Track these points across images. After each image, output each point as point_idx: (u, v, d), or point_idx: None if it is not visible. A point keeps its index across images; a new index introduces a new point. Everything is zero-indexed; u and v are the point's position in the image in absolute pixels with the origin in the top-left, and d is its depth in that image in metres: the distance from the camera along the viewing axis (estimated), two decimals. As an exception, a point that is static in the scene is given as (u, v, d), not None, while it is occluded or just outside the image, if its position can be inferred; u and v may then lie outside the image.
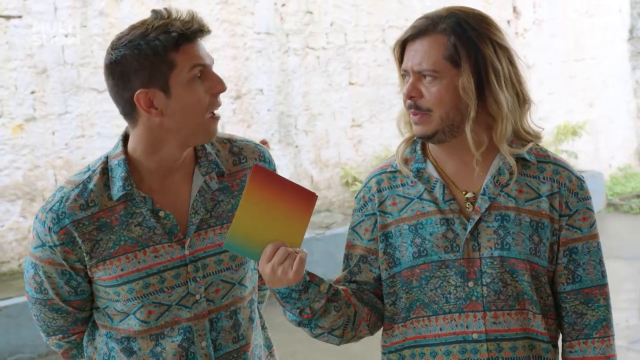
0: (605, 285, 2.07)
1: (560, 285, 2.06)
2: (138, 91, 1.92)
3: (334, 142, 8.87)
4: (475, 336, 2.01)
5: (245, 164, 2.17)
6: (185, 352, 2.05)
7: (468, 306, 2.02)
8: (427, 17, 2.02)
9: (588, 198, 2.06)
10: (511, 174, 2.04)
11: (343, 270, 2.15)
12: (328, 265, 7.28)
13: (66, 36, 7.00)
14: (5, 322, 5.77)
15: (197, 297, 2.03)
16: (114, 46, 1.93)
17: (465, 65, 1.96)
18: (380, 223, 2.11)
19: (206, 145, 2.11)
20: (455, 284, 2.03)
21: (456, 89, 1.97)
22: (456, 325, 2.03)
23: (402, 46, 2.05)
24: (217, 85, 1.97)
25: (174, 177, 2.07)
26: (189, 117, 1.96)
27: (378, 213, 2.12)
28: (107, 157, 2.04)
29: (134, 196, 2.00)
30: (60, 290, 2.01)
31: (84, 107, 7.12)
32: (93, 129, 7.18)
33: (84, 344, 2.17)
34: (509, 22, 9.97)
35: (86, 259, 1.98)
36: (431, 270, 2.05)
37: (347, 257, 2.16)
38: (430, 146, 2.11)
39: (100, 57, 6.95)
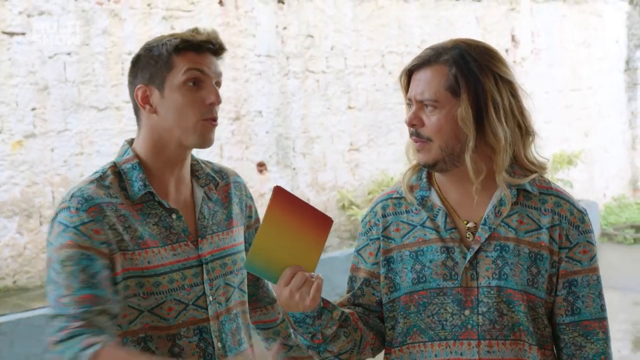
0: (604, 318, 2.06)
1: (560, 316, 2.06)
2: (138, 86, 2.06)
3: (331, 165, 8.89)
4: None
5: (228, 179, 2.29)
6: (203, 352, 2.08)
7: (463, 334, 2.03)
8: (432, 48, 2.06)
9: (589, 231, 2.07)
10: (513, 204, 2.05)
11: (347, 292, 2.18)
12: (324, 288, 7.40)
13: (68, 54, 7.00)
14: (0, 339, 5.73)
15: (211, 298, 2.09)
16: (142, 47, 2.08)
17: (464, 95, 1.99)
18: (383, 248, 2.13)
19: (199, 161, 2.22)
20: (452, 311, 2.04)
21: (455, 119, 2.00)
22: (451, 352, 2.04)
23: (409, 75, 2.08)
24: (210, 96, 2.03)
25: (180, 183, 2.14)
26: (178, 118, 2.04)
27: (382, 238, 2.14)
28: (114, 163, 2.09)
29: (150, 197, 2.06)
30: (73, 280, 1.92)
31: (84, 125, 7.11)
32: (92, 147, 7.17)
33: None
34: (507, 50, 10.09)
35: (114, 241, 1.97)
36: (429, 296, 2.06)
37: (352, 280, 2.19)
38: (436, 174, 2.12)
39: (101, 76, 7.12)
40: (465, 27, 9.83)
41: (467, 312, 2.04)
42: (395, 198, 2.18)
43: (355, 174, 9.08)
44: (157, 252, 2.03)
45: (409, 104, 2.08)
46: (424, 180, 2.15)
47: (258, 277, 2.35)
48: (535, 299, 2.04)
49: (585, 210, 2.11)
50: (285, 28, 8.40)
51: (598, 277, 2.07)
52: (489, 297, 2.03)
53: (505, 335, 2.02)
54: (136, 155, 2.10)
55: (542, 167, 2.11)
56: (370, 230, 2.18)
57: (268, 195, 8.43)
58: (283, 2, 8.40)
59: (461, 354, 2.04)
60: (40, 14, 6.83)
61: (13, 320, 5.83)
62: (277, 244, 1.86)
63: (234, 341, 2.16)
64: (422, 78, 2.04)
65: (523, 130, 2.05)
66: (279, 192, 1.85)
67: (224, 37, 7.63)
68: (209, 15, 7.81)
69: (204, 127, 2.06)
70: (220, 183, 2.26)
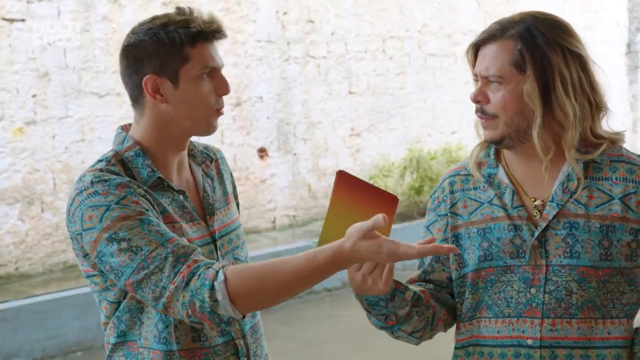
0: None
1: None
2: (147, 76, 2.00)
3: (332, 150, 8.95)
4: (529, 342, 2.02)
5: (216, 156, 2.30)
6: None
7: (527, 312, 2.03)
8: (498, 22, 2.03)
9: None
10: (579, 179, 2.02)
11: (418, 269, 2.20)
12: None
13: (68, 40, 7.04)
14: (1, 325, 5.79)
15: None
16: (134, 31, 2.01)
17: (530, 71, 1.96)
18: (451, 224, 2.14)
19: (191, 141, 2.21)
20: (518, 289, 2.05)
21: (521, 95, 1.97)
22: (513, 330, 2.04)
23: (475, 50, 2.06)
24: (222, 87, 2.04)
25: (181, 165, 2.14)
26: (192, 109, 2.03)
27: (449, 214, 2.15)
28: (116, 152, 2.05)
29: (159, 181, 2.05)
30: (151, 235, 1.87)
31: (85, 112, 7.17)
32: (93, 134, 7.22)
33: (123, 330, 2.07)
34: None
35: (155, 209, 1.96)
36: (496, 274, 2.07)
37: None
38: (504, 151, 2.12)
39: (102, 62, 7.12)
40: (466, 10, 9.86)
41: (533, 291, 2.03)
42: (464, 175, 2.18)
43: (356, 159, 9.13)
44: (178, 228, 2.02)
45: (475, 80, 2.06)
46: (492, 157, 2.14)
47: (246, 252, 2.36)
48: (610, 271, 2.01)
49: None
50: (285, 13, 8.42)
51: None
52: (559, 275, 2.01)
53: (571, 314, 2.01)
54: (137, 142, 2.07)
55: (616, 140, 2.07)
56: (439, 206, 2.18)
57: (269, 181, 8.52)
58: None
59: (523, 332, 2.03)
60: (40, 0, 6.86)
61: (15, 307, 5.90)
62: (345, 227, 1.84)
63: (250, 314, 2.16)
64: (488, 53, 2.02)
65: (593, 106, 2.00)
66: (342, 176, 1.84)
67: (225, 23, 7.71)
68: (210, 1, 7.81)
69: (215, 117, 2.08)
70: (213, 159, 2.28)
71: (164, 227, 1.92)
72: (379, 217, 1.76)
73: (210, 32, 2.00)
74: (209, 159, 2.26)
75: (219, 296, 1.79)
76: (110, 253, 1.87)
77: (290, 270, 1.82)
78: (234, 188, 2.37)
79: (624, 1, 11.51)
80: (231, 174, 2.37)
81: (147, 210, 1.93)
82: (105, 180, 1.94)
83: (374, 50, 9.15)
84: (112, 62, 7.20)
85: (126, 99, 6.66)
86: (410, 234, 7.98)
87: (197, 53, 1.99)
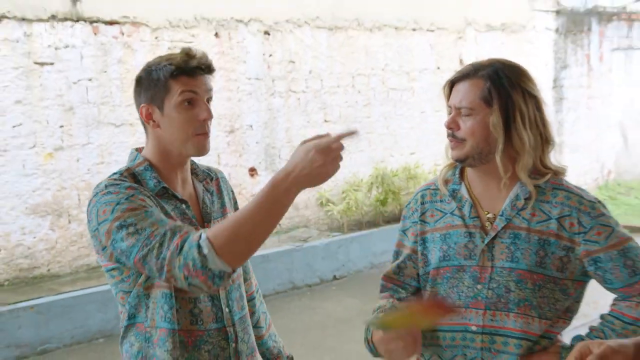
0: (635, 282, 1.99)
1: (603, 285, 2.04)
2: (142, 105, 2.02)
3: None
4: (473, 328, 2.03)
5: (217, 175, 2.27)
6: (215, 315, 2.07)
7: (473, 304, 2.04)
8: (472, 65, 2.06)
9: (601, 215, 2.00)
10: (527, 199, 2.03)
11: (392, 263, 2.22)
12: (306, 272, 7.51)
13: (90, 80, 7.02)
14: (37, 317, 5.82)
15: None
16: (143, 69, 2.04)
17: (496, 106, 1.97)
18: (420, 230, 2.16)
19: (194, 161, 2.19)
20: (467, 285, 2.05)
21: (487, 125, 1.99)
22: (461, 318, 2.05)
23: (450, 86, 2.07)
24: (202, 113, 2.00)
25: (184, 181, 2.13)
26: (177, 132, 2.00)
27: (419, 222, 2.17)
28: (128, 167, 2.05)
29: (164, 191, 2.03)
30: (154, 219, 1.85)
31: (104, 139, 7.14)
32: (111, 157, 7.18)
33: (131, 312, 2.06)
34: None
35: (159, 209, 1.94)
36: (452, 272, 2.08)
37: (397, 253, 2.23)
38: (467, 171, 2.13)
39: (117, 97, 7.17)
40: (421, 53, 9.82)
41: (479, 287, 2.04)
42: (433, 189, 2.19)
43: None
44: None
45: (449, 110, 2.07)
46: (457, 176, 2.15)
47: None
48: (543, 278, 2.00)
49: (596, 199, 2.05)
50: (271, 55, 8.40)
51: (619, 251, 1.98)
52: (501, 276, 2.01)
53: (509, 308, 2.01)
54: (146, 159, 2.06)
55: (559, 172, 2.07)
56: (412, 214, 2.19)
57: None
58: (269, 34, 8.38)
59: (469, 320, 2.04)
60: (66, 47, 6.87)
61: (48, 302, 5.94)
62: (404, 322, 1.91)
63: (238, 306, 2.15)
64: (461, 89, 2.03)
65: (544, 139, 2.02)
66: (439, 302, 1.92)
67: (220, 64, 7.68)
68: (207, 45, 7.80)
69: (198, 140, 2.03)
70: (213, 178, 2.25)
71: (164, 217, 1.90)
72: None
73: (189, 67, 1.98)
74: (209, 178, 2.23)
75: (205, 250, 1.72)
76: (120, 238, 1.84)
77: (252, 206, 1.75)
78: (235, 202, 2.34)
79: (550, 45, 11.53)
80: (232, 190, 2.34)
81: (152, 205, 1.91)
82: (117, 184, 1.94)
83: (345, 86, 9.10)
84: (126, 98, 7.20)
85: (138, 128, 6.78)
86: (375, 239, 8.11)
87: (176, 84, 1.97)
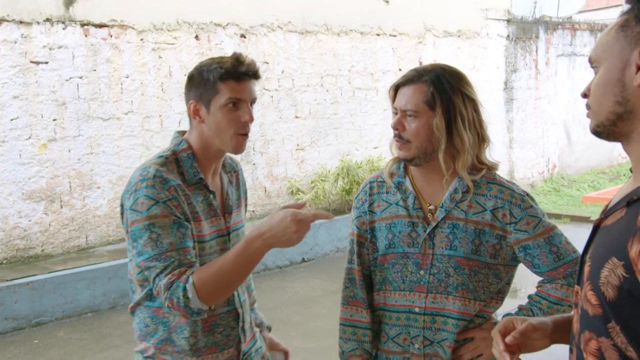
0: (560, 266, 2.03)
1: (532, 270, 2.08)
2: (191, 101, 2.03)
3: (283, 161, 8.91)
4: (416, 310, 2.05)
5: (237, 168, 2.27)
6: (227, 299, 2.07)
7: (416, 287, 2.05)
8: (415, 70, 2.04)
9: (530, 207, 2.03)
10: (465, 193, 2.03)
11: (351, 252, 2.18)
12: (277, 255, 7.50)
13: (80, 78, 7.06)
14: (31, 293, 5.88)
15: None
16: (195, 67, 2.04)
17: (439, 109, 1.96)
18: (369, 219, 2.14)
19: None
20: (411, 270, 2.06)
21: (430, 126, 1.97)
22: (406, 300, 2.06)
23: (396, 89, 2.06)
24: (244, 115, 1.99)
25: (215, 172, 2.13)
26: (219, 131, 2.00)
27: (368, 212, 2.14)
28: (174, 151, 2.04)
29: (199, 180, 2.03)
30: (174, 238, 1.87)
31: (93, 132, 7.16)
32: (99, 148, 7.21)
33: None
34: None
35: (187, 213, 1.95)
36: (397, 258, 2.08)
37: (351, 242, 2.19)
38: (411, 166, 2.13)
39: (106, 94, 7.15)
40: (384, 56, 9.83)
41: (421, 272, 2.04)
42: (379, 181, 2.16)
43: (301, 168, 9.10)
44: (203, 224, 2.01)
45: (395, 113, 2.05)
46: (402, 169, 2.13)
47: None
48: (478, 264, 2.01)
49: (525, 193, 2.07)
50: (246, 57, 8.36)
51: (545, 239, 2.01)
52: (441, 262, 2.02)
53: (448, 292, 2.02)
54: (190, 147, 2.05)
55: (492, 167, 2.08)
56: (362, 205, 2.16)
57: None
58: (245, 37, 8.39)
59: (413, 302, 2.05)
60: (59, 47, 6.90)
61: (41, 279, 6.01)
62: None
63: (242, 290, 2.16)
64: (406, 93, 2.00)
65: (480, 138, 2.02)
66: None
67: None
68: (188, 47, 7.82)
69: (238, 140, 2.02)
70: (235, 170, 2.25)
71: (187, 234, 1.90)
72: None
73: (237, 72, 1.96)
74: (233, 170, 2.23)
75: (190, 295, 1.79)
76: (141, 236, 1.86)
77: (230, 260, 1.82)
78: (245, 193, 2.33)
79: (502, 50, 11.51)
80: (245, 183, 2.33)
81: (182, 215, 1.91)
82: (164, 180, 1.92)
83: (315, 85, 9.13)
84: (113, 94, 7.21)
85: (124, 122, 6.80)
86: (341, 225, 8.06)
87: (224, 87, 1.96)
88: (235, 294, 2.10)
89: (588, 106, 1.33)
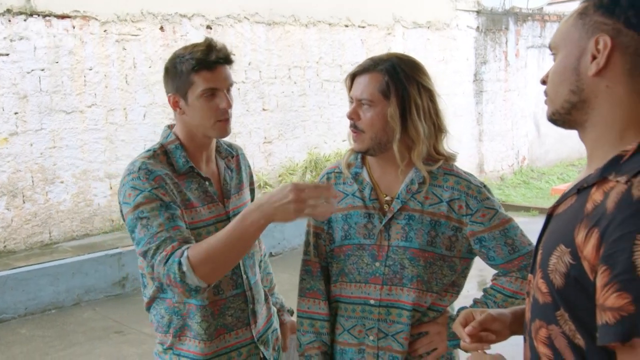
0: (514, 259, 2.04)
1: (487, 262, 2.09)
2: (170, 94, 2.07)
3: (250, 154, 8.81)
4: (372, 302, 2.06)
5: (237, 152, 2.30)
6: (235, 282, 2.13)
7: (372, 279, 2.05)
8: (371, 59, 2.03)
9: (486, 199, 2.03)
10: (421, 184, 2.03)
11: (308, 244, 2.19)
12: None
13: (42, 70, 7.04)
14: None
15: None
16: (169, 59, 2.06)
17: (393, 98, 1.95)
18: None
19: (218, 139, 2.22)
20: (367, 262, 2.06)
21: (385, 116, 1.97)
22: (361, 292, 2.07)
23: (352, 78, 2.05)
24: (222, 102, 2.02)
25: (208, 159, 2.16)
26: (200, 121, 2.04)
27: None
28: (162, 144, 2.09)
29: (190, 170, 2.07)
30: (162, 219, 1.90)
31: (55, 125, 7.15)
32: (62, 142, 7.21)
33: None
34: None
35: (177, 200, 1.98)
36: (352, 250, 2.08)
37: (307, 233, 2.20)
38: (368, 157, 2.11)
39: (68, 87, 7.12)
40: (352, 47, 9.87)
41: (377, 264, 2.04)
42: (337, 172, 2.16)
43: (269, 161, 9.13)
44: (199, 211, 2.05)
45: (351, 102, 2.04)
46: (359, 160, 2.13)
47: None
48: (434, 255, 2.02)
49: (482, 184, 2.07)
50: None
51: (500, 231, 2.01)
52: (397, 254, 2.02)
53: (403, 284, 2.02)
54: (177, 138, 2.09)
55: (450, 158, 2.07)
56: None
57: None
58: (211, 28, 8.40)
59: (368, 294, 2.06)
60: (20, 39, 6.88)
61: (3, 276, 6.00)
62: None
63: (252, 272, 2.20)
64: (362, 82, 2.00)
65: (437, 128, 2.02)
66: None
67: (164, 56, 7.76)
68: (152, 39, 7.82)
69: (220, 125, 2.05)
70: (234, 155, 2.27)
71: (177, 215, 1.93)
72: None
73: (209, 61, 1.98)
74: (231, 155, 2.26)
75: (184, 268, 1.78)
76: (135, 225, 1.91)
77: (225, 234, 1.80)
78: (251, 176, 2.36)
79: (472, 42, 11.55)
80: (249, 166, 2.36)
81: (170, 202, 1.94)
82: (149, 171, 1.96)
83: (282, 77, 9.14)
84: (76, 87, 7.21)
85: (87, 115, 6.70)
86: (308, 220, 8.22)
87: (198, 78, 1.99)
88: (244, 276, 2.15)
89: (546, 93, 1.34)
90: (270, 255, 7.84)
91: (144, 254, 1.89)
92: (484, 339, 1.52)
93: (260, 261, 2.45)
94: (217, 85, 2.01)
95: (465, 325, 1.51)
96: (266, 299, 2.34)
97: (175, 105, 2.07)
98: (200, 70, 1.99)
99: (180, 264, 1.79)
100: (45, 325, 5.83)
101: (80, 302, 6.35)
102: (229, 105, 2.04)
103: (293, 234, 8.04)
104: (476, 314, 1.51)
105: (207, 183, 2.11)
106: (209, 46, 2.00)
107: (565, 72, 1.27)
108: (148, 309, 2.16)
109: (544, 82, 1.34)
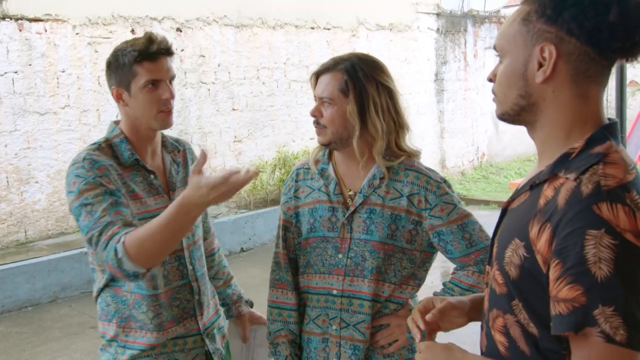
0: (471, 252, 2.04)
1: (446, 256, 2.09)
2: (113, 87, 2.05)
3: (221, 153, 8.92)
4: (334, 292, 2.08)
5: (184, 146, 2.29)
6: (181, 273, 2.12)
7: (335, 270, 2.07)
8: (333, 59, 2.05)
9: (445, 194, 2.04)
10: (382, 179, 2.04)
11: (278, 237, 2.21)
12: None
13: (16, 72, 7.00)
14: None
15: None
16: (111, 53, 2.05)
17: (352, 96, 1.97)
18: (294, 205, 2.16)
19: (164, 133, 2.21)
20: (330, 254, 2.08)
21: (345, 113, 1.99)
22: (325, 283, 2.09)
23: (316, 77, 2.07)
24: (164, 93, 2.02)
25: (154, 152, 2.15)
26: (143, 112, 2.03)
27: (293, 197, 2.17)
28: (107, 139, 2.07)
29: (136, 162, 2.06)
30: (106, 204, 1.88)
31: (29, 126, 7.12)
32: (36, 143, 7.17)
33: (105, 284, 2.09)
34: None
35: (122, 190, 1.97)
36: (317, 242, 2.10)
37: (279, 226, 2.21)
38: (334, 153, 2.14)
39: (42, 88, 7.07)
40: (319, 48, 9.91)
41: (340, 256, 2.06)
42: (305, 168, 2.18)
43: (239, 159, 9.11)
44: (145, 202, 2.04)
45: (315, 100, 2.06)
46: (326, 156, 2.15)
47: (204, 217, 2.36)
48: (393, 248, 2.02)
49: (443, 179, 2.08)
50: (182, 50, 8.40)
51: (458, 226, 2.02)
52: (358, 246, 2.03)
53: (364, 275, 2.03)
54: (122, 132, 2.07)
55: (413, 154, 2.08)
56: (289, 191, 2.19)
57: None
58: (181, 31, 8.39)
59: (331, 284, 2.08)
60: None
61: None
62: None
63: (200, 264, 2.19)
64: (323, 81, 2.02)
65: (397, 125, 2.02)
66: None
67: None
68: (127, 38, 7.78)
69: (162, 116, 2.04)
70: (180, 149, 2.25)
71: (121, 202, 1.91)
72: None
73: (150, 52, 1.98)
74: (177, 149, 2.23)
75: (120, 255, 1.77)
76: (80, 213, 1.89)
77: (159, 222, 1.78)
78: None
79: (432, 43, 11.63)
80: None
81: (114, 189, 1.93)
82: (93, 160, 1.95)
83: (251, 78, 9.14)
84: (49, 88, 7.16)
85: (61, 116, 6.67)
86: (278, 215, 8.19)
87: (140, 69, 1.98)
88: (190, 267, 2.14)
89: (494, 92, 1.36)
90: (242, 250, 7.83)
91: (89, 241, 1.87)
92: (440, 325, 1.52)
93: (214, 254, 2.45)
94: (159, 76, 2.01)
95: (424, 312, 1.51)
96: (213, 294, 2.32)
97: (118, 97, 2.05)
98: (142, 61, 1.98)
99: (116, 250, 1.78)
100: (22, 322, 5.79)
101: (57, 299, 6.31)
102: (172, 96, 2.04)
103: (263, 230, 8.03)
104: (436, 302, 1.52)
105: (152, 176, 2.10)
106: (150, 39, 2.01)
107: (513, 78, 1.29)
108: (96, 299, 2.13)
109: (490, 80, 1.36)
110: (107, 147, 2.06)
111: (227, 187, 1.72)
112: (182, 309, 2.13)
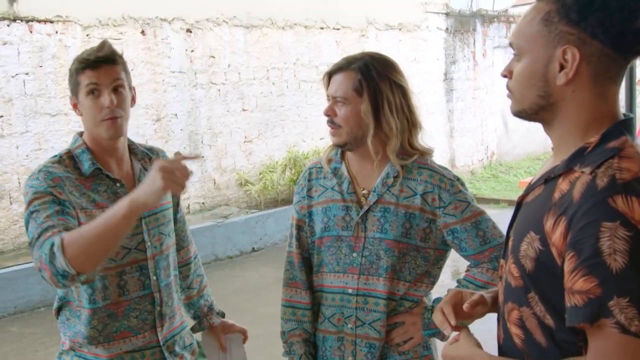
0: (485, 250, 2.04)
1: (460, 253, 2.09)
2: (70, 95, 2.06)
3: (231, 153, 8.90)
4: (350, 291, 2.07)
5: (158, 154, 2.23)
6: (142, 283, 2.07)
7: (350, 269, 2.07)
8: (345, 58, 2.05)
9: (459, 192, 2.04)
10: (395, 177, 2.04)
11: (291, 236, 2.20)
12: (227, 245, 7.49)
13: (27, 74, 6.98)
14: None
15: (149, 243, 2.08)
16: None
17: (366, 95, 1.96)
18: (307, 204, 2.16)
19: (134, 142, 2.18)
20: (345, 253, 2.07)
21: (359, 112, 1.98)
22: (340, 281, 2.08)
23: (329, 77, 2.07)
24: (105, 102, 1.98)
25: (120, 161, 2.11)
26: (89, 120, 2.02)
27: (307, 197, 2.16)
28: (68, 150, 2.05)
29: (98, 172, 2.03)
30: (51, 211, 1.84)
31: (40, 128, 7.11)
32: (47, 144, 7.16)
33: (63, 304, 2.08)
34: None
35: (74, 202, 1.94)
36: (332, 241, 2.09)
37: (292, 226, 2.21)
38: (347, 152, 2.13)
39: (53, 90, 7.10)
40: (328, 49, 9.87)
41: (354, 254, 2.06)
42: (318, 167, 2.18)
43: (249, 159, 9.09)
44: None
45: (328, 99, 2.05)
46: (338, 156, 2.14)
47: (181, 225, 2.33)
48: (408, 246, 2.02)
49: (456, 177, 2.08)
50: (192, 51, 8.42)
51: (472, 224, 2.02)
52: (373, 245, 2.03)
53: (379, 274, 2.03)
54: (84, 143, 2.06)
55: (425, 152, 2.08)
56: (302, 190, 2.18)
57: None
58: (191, 32, 8.37)
59: (346, 283, 2.07)
60: (4, 44, 6.82)
61: None
62: None
63: (165, 274, 2.13)
64: (337, 80, 2.02)
65: (410, 123, 2.02)
66: None
67: (146, 59, 7.67)
68: (134, 42, 7.77)
69: (106, 125, 2.00)
70: (152, 157, 2.20)
71: (68, 212, 1.88)
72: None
73: (90, 60, 1.97)
74: (148, 157, 2.20)
75: (55, 249, 1.71)
76: (27, 221, 1.86)
77: (96, 222, 1.73)
78: None
79: (441, 43, 11.63)
80: None
81: (66, 201, 1.90)
82: (49, 172, 1.94)
83: (261, 78, 9.10)
84: (60, 90, 7.14)
85: (72, 117, 6.67)
86: (289, 215, 8.00)
87: (82, 78, 1.98)
88: (154, 277, 2.10)
89: (509, 89, 1.35)
90: (253, 250, 7.81)
91: (30, 244, 1.83)
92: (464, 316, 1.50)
93: (190, 263, 2.40)
94: (98, 81, 1.98)
95: (455, 304, 1.48)
96: (180, 306, 2.29)
97: (74, 107, 2.06)
98: (84, 70, 1.98)
99: (52, 245, 1.72)
100: (34, 323, 5.76)
101: (69, 300, 6.25)
102: (112, 104, 1.99)
103: (274, 230, 8.03)
104: (466, 295, 1.51)
105: (117, 184, 2.07)
106: (97, 47, 2.01)
107: (533, 78, 1.29)
108: (58, 314, 2.11)
109: (505, 76, 1.35)
110: (68, 158, 2.04)
111: (172, 164, 1.67)
112: (142, 320, 2.08)
